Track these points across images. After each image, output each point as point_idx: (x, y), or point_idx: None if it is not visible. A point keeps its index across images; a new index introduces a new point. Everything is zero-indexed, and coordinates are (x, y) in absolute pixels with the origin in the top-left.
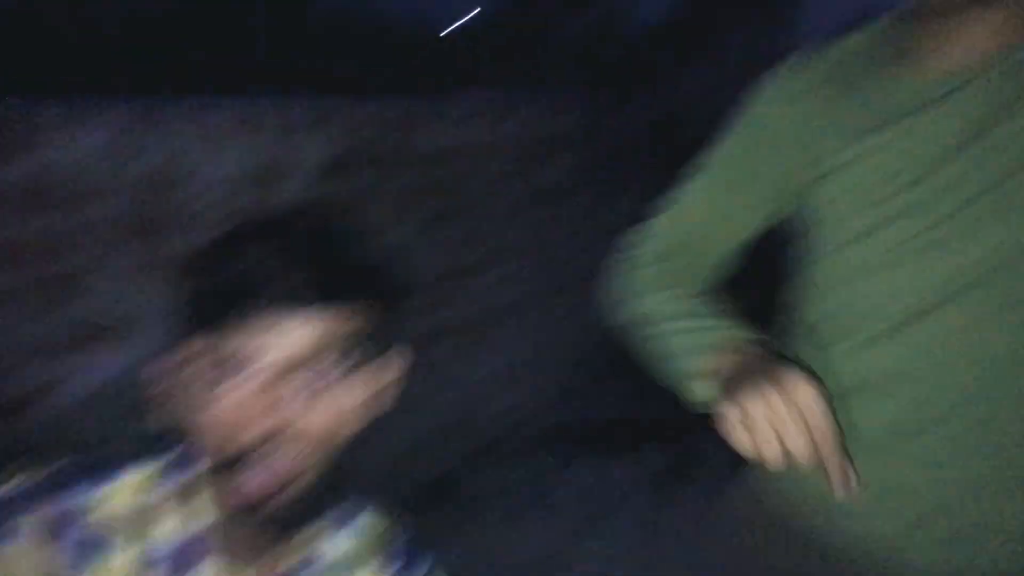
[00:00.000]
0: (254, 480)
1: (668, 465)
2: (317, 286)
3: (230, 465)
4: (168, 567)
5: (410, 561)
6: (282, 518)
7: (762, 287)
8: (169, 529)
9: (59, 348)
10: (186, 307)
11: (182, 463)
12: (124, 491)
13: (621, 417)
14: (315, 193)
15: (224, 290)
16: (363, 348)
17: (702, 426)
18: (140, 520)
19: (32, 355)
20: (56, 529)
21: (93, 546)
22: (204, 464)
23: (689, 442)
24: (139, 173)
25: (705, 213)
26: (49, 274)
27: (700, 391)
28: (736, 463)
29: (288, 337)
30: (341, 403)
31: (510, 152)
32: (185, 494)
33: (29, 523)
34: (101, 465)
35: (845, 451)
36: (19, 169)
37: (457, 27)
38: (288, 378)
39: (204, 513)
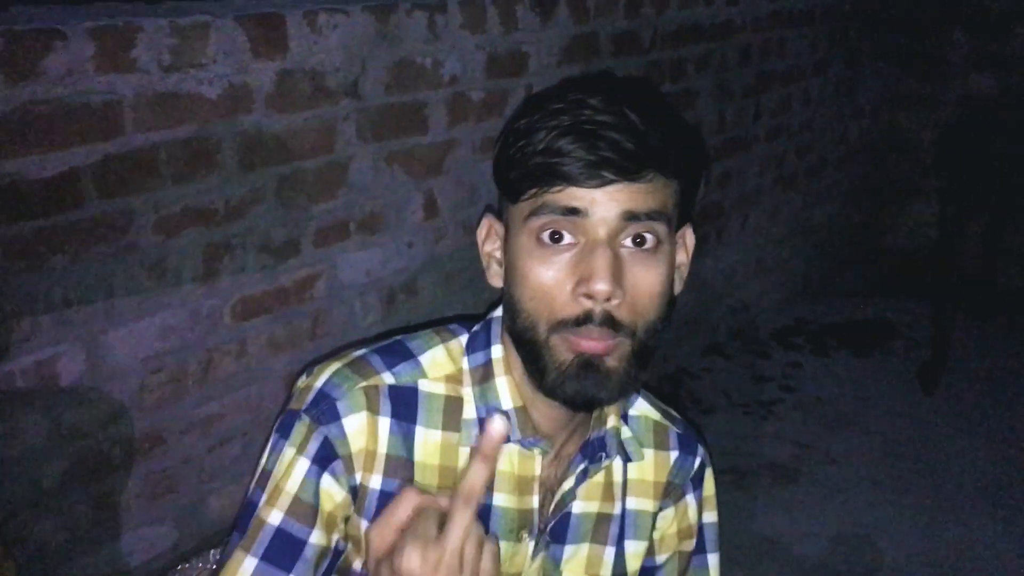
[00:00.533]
0: (591, 337)
1: (917, 366)
2: (624, 158)
3: (565, 326)
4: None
5: (683, 453)
6: (593, 390)
7: None
8: (471, 409)
9: (325, 238)
10: (503, 180)
11: (477, 345)
12: (430, 371)
13: (855, 318)
14: (552, 81)
15: (532, 163)
16: (666, 223)
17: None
18: (446, 401)
19: (307, 242)
20: (378, 405)
21: (408, 423)
22: (499, 351)
23: (935, 346)
24: (380, 74)
25: None
26: (312, 166)
27: None
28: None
29: (600, 209)
30: (655, 276)
31: (747, 31)
32: (484, 375)
33: (355, 400)
34: (398, 349)
35: None
36: (270, 70)
37: None
38: (612, 245)
39: (501, 397)
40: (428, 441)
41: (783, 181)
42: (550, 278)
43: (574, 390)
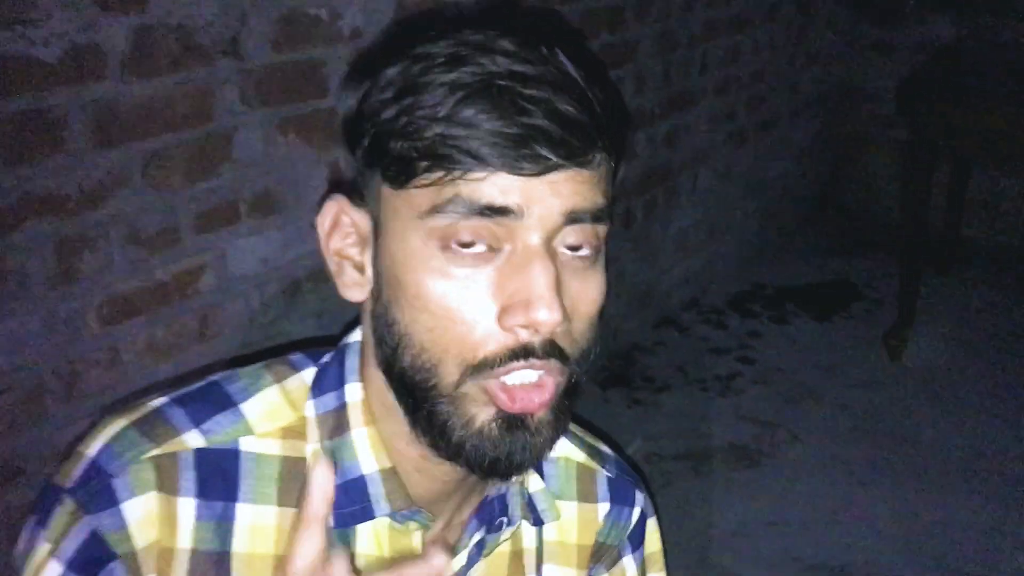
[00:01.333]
0: (527, 384)
1: (882, 329)
2: (568, 131)
3: (488, 367)
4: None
5: (617, 504)
6: (520, 455)
7: None
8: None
9: (209, 223)
10: (378, 152)
11: (327, 384)
12: (258, 423)
13: (815, 280)
14: None
15: (431, 135)
16: (608, 223)
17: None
18: (283, 465)
19: (187, 229)
20: (176, 481)
21: (224, 501)
22: (356, 393)
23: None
24: (264, 29)
25: None
26: (188, 139)
27: None
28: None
29: (539, 207)
30: (595, 293)
31: None
32: (337, 426)
33: (139, 476)
34: (212, 395)
35: None
36: (125, 27)
37: None
38: (551, 255)
39: (359, 456)
40: (257, 524)
41: (735, 137)
42: (464, 302)
43: (495, 456)
